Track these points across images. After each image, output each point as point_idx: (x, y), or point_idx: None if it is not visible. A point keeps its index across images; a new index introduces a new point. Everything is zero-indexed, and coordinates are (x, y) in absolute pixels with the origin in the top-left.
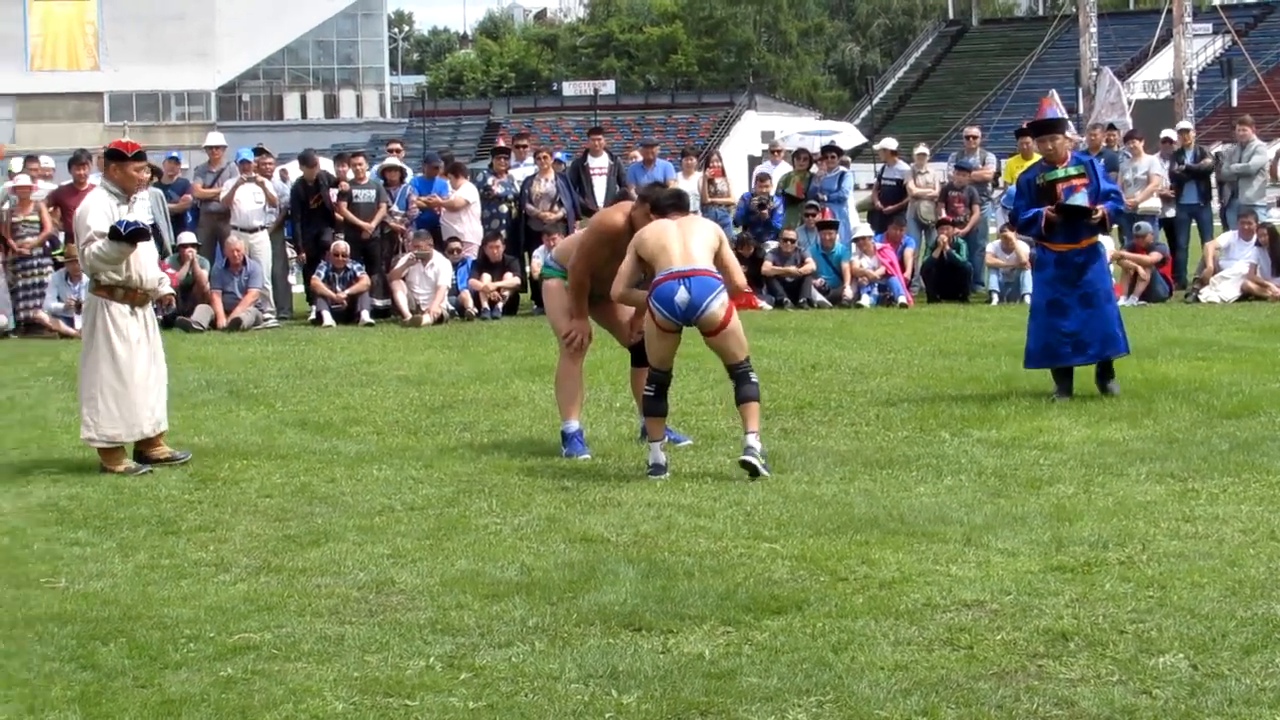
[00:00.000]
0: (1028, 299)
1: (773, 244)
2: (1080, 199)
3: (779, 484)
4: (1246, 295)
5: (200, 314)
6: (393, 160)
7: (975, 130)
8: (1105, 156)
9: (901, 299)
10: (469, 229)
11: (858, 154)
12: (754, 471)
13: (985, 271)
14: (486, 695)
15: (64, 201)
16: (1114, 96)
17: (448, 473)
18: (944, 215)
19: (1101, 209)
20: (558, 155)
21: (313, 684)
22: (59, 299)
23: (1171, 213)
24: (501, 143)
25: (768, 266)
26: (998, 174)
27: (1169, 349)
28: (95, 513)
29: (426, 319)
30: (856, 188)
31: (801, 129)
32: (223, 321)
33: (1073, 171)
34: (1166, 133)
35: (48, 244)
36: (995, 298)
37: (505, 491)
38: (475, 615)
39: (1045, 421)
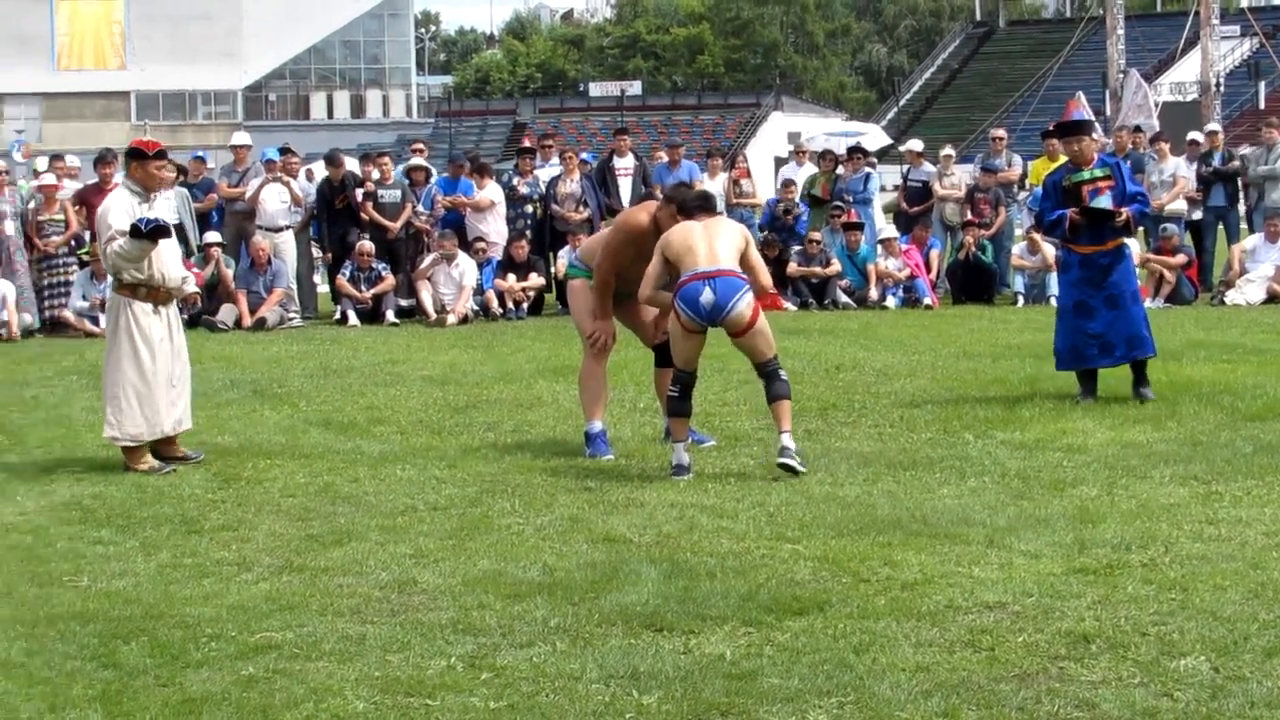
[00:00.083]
0: (1053, 301)
1: (797, 245)
2: (1104, 201)
3: (802, 485)
4: (1272, 298)
5: (225, 313)
6: (418, 160)
7: (1001, 132)
8: (1131, 158)
9: (926, 300)
10: (494, 229)
11: (884, 155)
12: (793, 472)
13: (1010, 273)
14: (507, 695)
15: (89, 200)
16: (1141, 98)
17: (471, 472)
18: (969, 217)
19: (1125, 212)
20: (583, 156)
21: (334, 683)
22: (84, 298)
23: (1198, 215)
24: (527, 143)
25: (793, 267)
26: (1024, 176)
27: (1194, 351)
28: (118, 511)
29: (451, 319)
30: (882, 189)
31: (827, 130)
32: (247, 321)
33: (1098, 173)
34: (1193, 135)
35: (73, 243)
36: (1020, 299)
37: (528, 491)
38: (497, 615)
39: (1069, 423)
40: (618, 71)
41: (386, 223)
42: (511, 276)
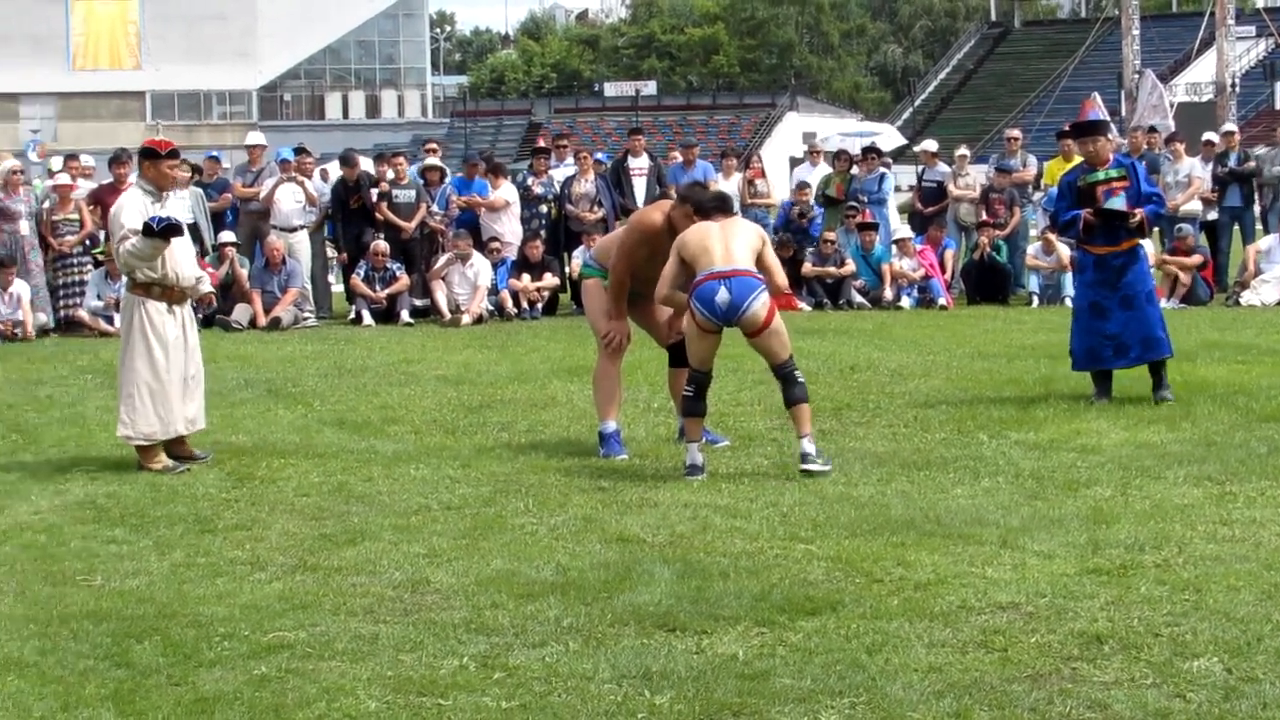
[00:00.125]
0: (1068, 301)
1: (812, 248)
2: (1118, 202)
3: (816, 485)
4: None
5: (239, 313)
6: (433, 160)
7: (1016, 132)
8: (1146, 159)
9: (941, 301)
10: (509, 229)
11: (899, 156)
12: (817, 474)
13: (1025, 273)
14: (519, 695)
15: (104, 200)
16: (1156, 99)
17: (485, 472)
18: (984, 217)
19: (1139, 213)
20: (598, 156)
21: (346, 683)
22: (99, 297)
23: (1213, 215)
24: (542, 143)
25: (807, 267)
26: (1039, 176)
27: (1209, 352)
28: (132, 511)
29: (466, 319)
30: (898, 189)
31: (842, 130)
32: (262, 320)
33: (1113, 174)
34: (1208, 135)
35: (88, 242)
36: (1035, 300)
37: (542, 491)
38: (510, 615)
39: (1084, 424)
40: (633, 71)
41: (401, 223)
42: (526, 276)
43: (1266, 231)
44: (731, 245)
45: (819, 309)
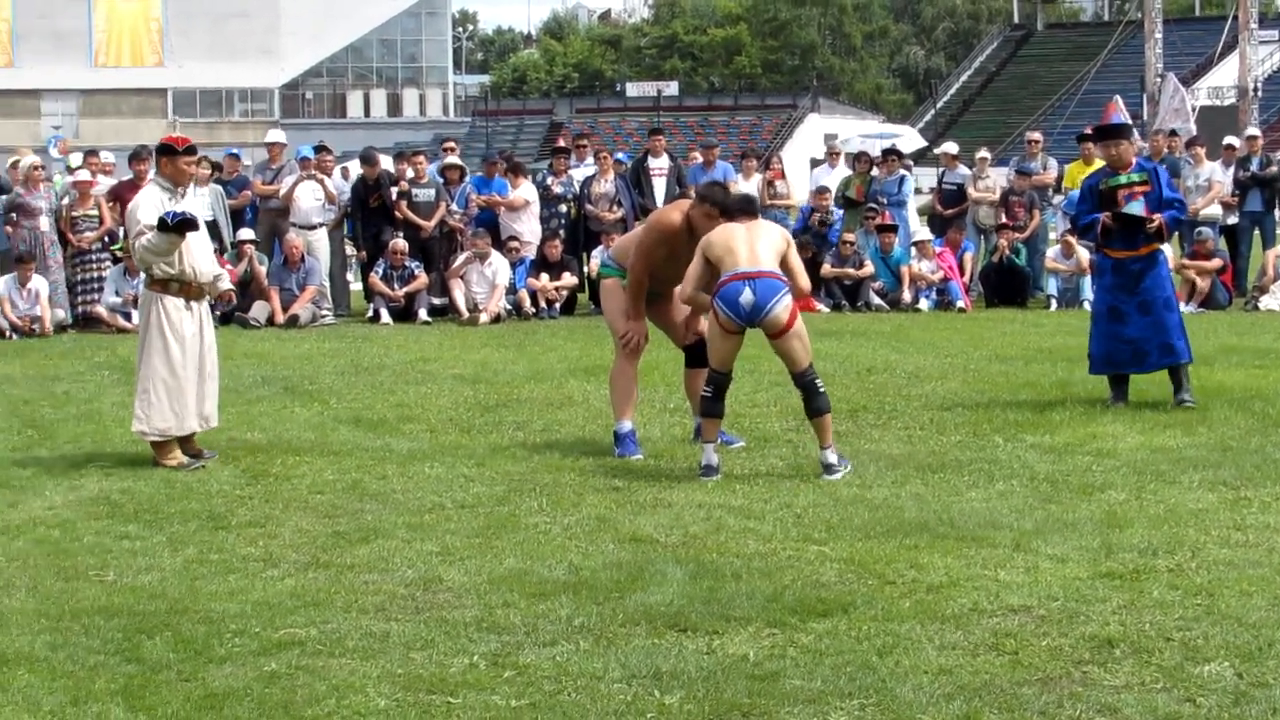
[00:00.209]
0: (1086, 305)
1: (831, 252)
2: (1137, 207)
3: (830, 487)
4: None
5: (258, 310)
6: (452, 159)
7: (1037, 135)
8: (1167, 162)
9: (960, 303)
10: (528, 228)
11: (920, 158)
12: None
13: (1044, 276)
14: (529, 694)
15: (124, 197)
16: (1178, 103)
17: (499, 471)
18: (1004, 220)
19: (1158, 218)
20: (618, 156)
21: (356, 680)
22: (117, 293)
23: (1233, 220)
24: (561, 143)
25: (826, 269)
26: (1059, 179)
27: (1226, 356)
28: (146, 507)
29: (484, 318)
30: (918, 191)
31: (863, 132)
32: (280, 318)
33: (1135, 178)
34: (1229, 139)
35: (107, 239)
36: (1054, 303)
37: (556, 491)
38: (521, 614)
39: (1099, 427)
40: (654, 72)
41: (420, 221)
42: (544, 276)
43: None
44: (757, 246)
45: (837, 310)
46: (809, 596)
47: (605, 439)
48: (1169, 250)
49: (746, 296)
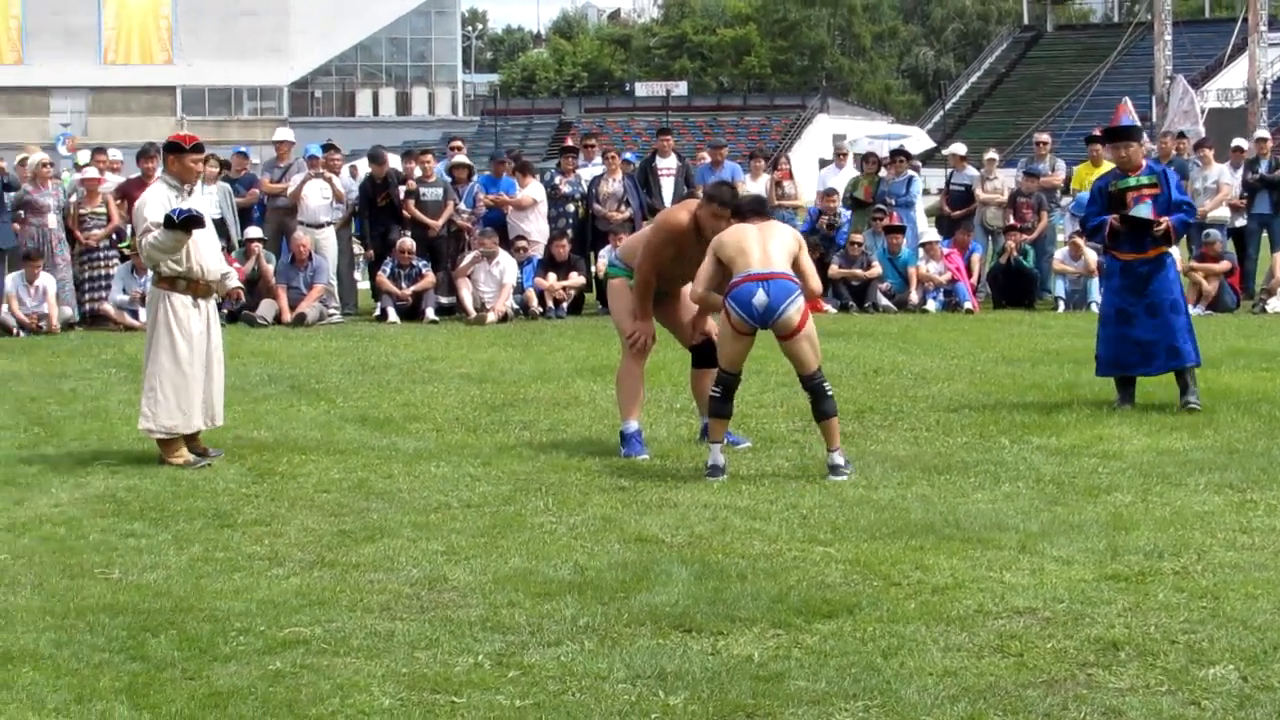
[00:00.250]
0: (1094, 307)
1: (838, 254)
2: (1144, 209)
3: (836, 488)
4: None
5: (265, 309)
6: (460, 158)
7: (1046, 136)
8: (1175, 164)
9: (967, 305)
10: (535, 228)
11: (929, 159)
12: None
13: (1052, 278)
14: (534, 694)
15: (131, 194)
16: (1187, 105)
17: (505, 470)
18: (1012, 221)
19: (1165, 221)
20: (626, 155)
21: (360, 679)
22: (124, 291)
23: (1241, 222)
24: (570, 142)
25: (834, 270)
26: (1067, 181)
27: (1233, 359)
28: (152, 505)
29: (491, 317)
30: (926, 192)
31: (871, 133)
32: (287, 316)
33: (1144, 181)
34: (1238, 141)
35: (114, 236)
36: (1061, 305)
37: (562, 490)
38: (526, 613)
39: (1106, 430)
40: (664, 72)
41: (428, 220)
42: (552, 275)
43: None
44: (769, 248)
45: (844, 311)
46: (814, 597)
47: (611, 439)
48: (1177, 253)
49: (760, 298)
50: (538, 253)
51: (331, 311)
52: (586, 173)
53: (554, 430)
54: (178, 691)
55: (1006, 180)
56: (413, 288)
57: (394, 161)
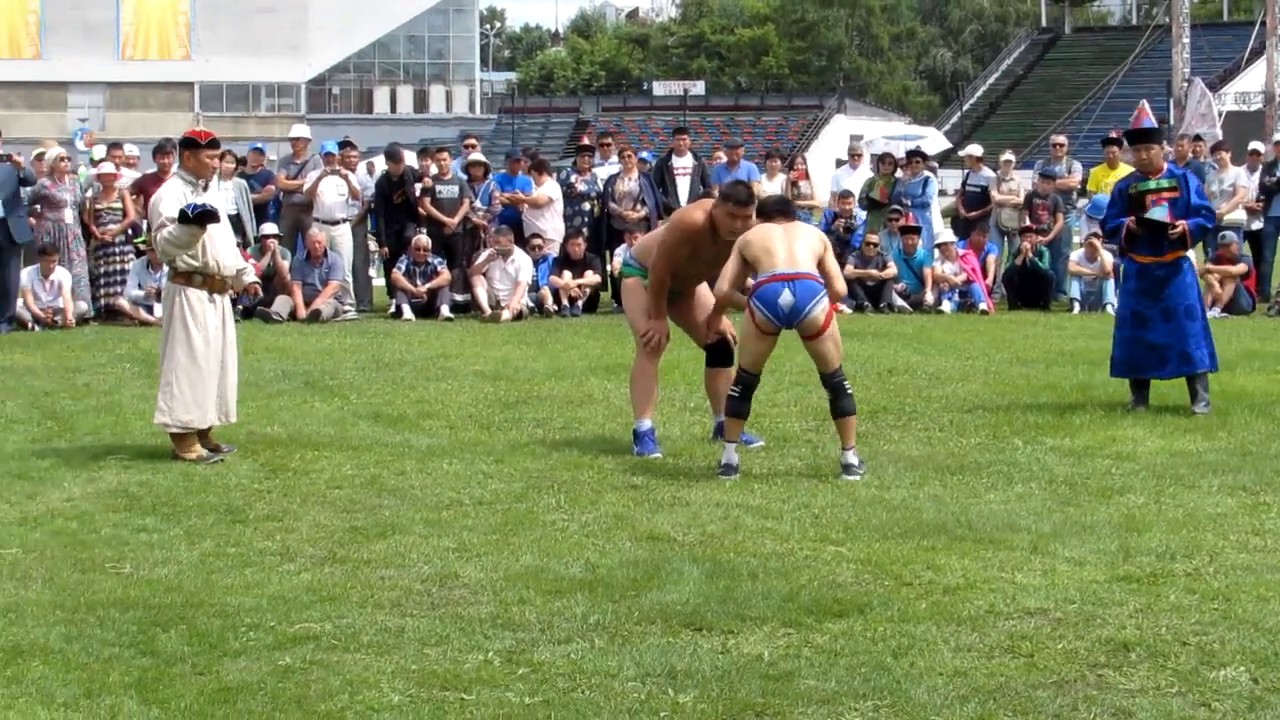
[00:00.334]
0: (1109, 308)
1: (853, 256)
2: (1159, 212)
3: (848, 488)
4: None
5: (280, 305)
6: (476, 156)
7: (1062, 138)
8: (1191, 167)
9: (982, 305)
10: (551, 226)
11: (945, 160)
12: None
13: (1067, 280)
14: (543, 691)
15: (147, 190)
16: (1205, 108)
17: (518, 468)
18: (1027, 223)
19: (1181, 224)
20: (642, 154)
21: (370, 675)
22: (140, 286)
23: (1257, 225)
24: (586, 141)
25: (849, 270)
26: (1083, 182)
27: (1248, 361)
28: (164, 500)
29: (506, 315)
30: (942, 193)
31: (887, 134)
32: (302, 313)
33: (1164, 184)
34: (1254, 145)
35: (130, 231)
36: (1077, 306)
37: (574, 488)
38: (537, 611)
39: (1120, 431)
40: (681, 71)
41: (444, 218)
42: (567, 274)
43: None
44: (795, 248)
45: (859, 311)
46: (825, 597)
47: (625, 437)
48: (1193, 255)
49: (786, 298)
50: (553, 251)
51: (346, 308)
52: (602, 171)
53: (567, 428)
54: (187, 686)
55: (1023, 182)
56: (428, 285)
57: (410, 159)
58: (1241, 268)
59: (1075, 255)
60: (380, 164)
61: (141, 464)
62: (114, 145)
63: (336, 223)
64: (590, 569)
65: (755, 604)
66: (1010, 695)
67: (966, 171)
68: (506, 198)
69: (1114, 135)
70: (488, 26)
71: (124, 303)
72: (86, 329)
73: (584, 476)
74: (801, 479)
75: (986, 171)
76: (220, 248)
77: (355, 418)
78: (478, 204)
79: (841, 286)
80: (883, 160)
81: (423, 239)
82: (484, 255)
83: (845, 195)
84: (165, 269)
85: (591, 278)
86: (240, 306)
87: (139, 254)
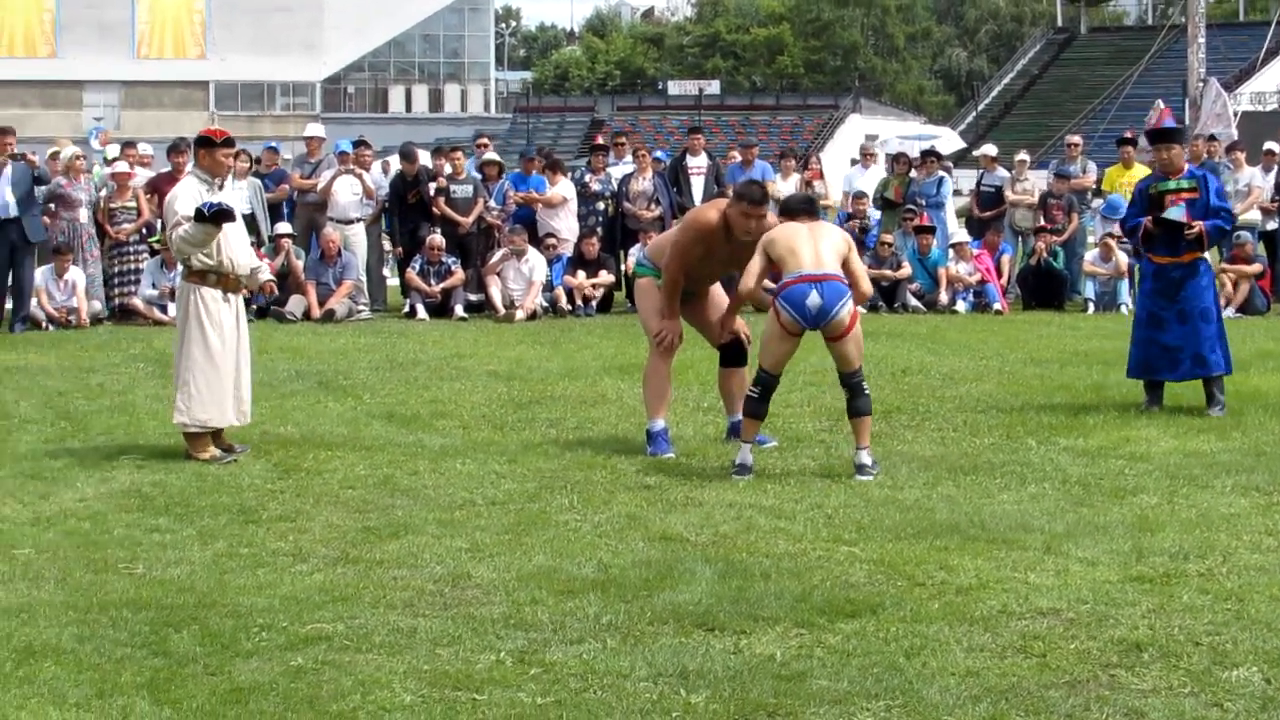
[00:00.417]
0: (1123, 308)
1: (867, 256)
2: (1176, 212)
3: (861, 488)
4: None
5: (294, 304)
6: (490, 155)
7: (1077, 138)
8: (1206, 166)
9: (997, 305)
10: (565, 225)
11: (960, 160)
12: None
13: (1082, 280)
14: (555, 691)
15: (162, 189)
16: (1220, 107)
17: (531, 468)
18: (1042, 223)
19: (1198, 225)
20: (657, 154)
21: (382, 675)
22: (154, 286)
23: (1272, 225)
24: (600, 140)
25: None
26: (1098, 182)
27: (1262, 362)
28: (177, 500)
29: (520, 314)
30: (957, 193)
31: (901, 133)
32: (316, 312)
33: (1184, 184)
34: (1269, 145)
35: (144, 231)
36: (1091, 306)
37: (587, 488)
38: (549, 611)
39: (1133, 431)
40: (697, 70)
41: (458, 218)
42: (581, 273)
43: None
44: (820, 248)
45: (874, 311)
46: (838, 597)
47: (638, 437)
48: (1209, 256)
49: (813, 299)
50: (567, 250)
51: (360, 308)
52: (617, 171)
53: (580, 428)
54: (199, 687)
55: (1037, 182)
56: (442, 285)
57: (424, 158)
58: (1256, 267)
59: (1090, 255)
60: (395, 163)
61: (155, 464)
62: (129, 144)
63: (351, 222)
64: (603, 569)
65: (768, 604)
66: (1023, 695)
67: (981, 171)
68: (521, 197)
69: (1129, 135)
70: (503, 26)
71: (138, 302)
72: (100, 329)
73: (597, 476)
74: (815, 479)
75: (1001, 171)
76: (235, 246)
77: (369, 418)
78: (492, 203)
79: (867, 287)
80: (898, 160)
81: (437, 238)
82: (498, 255)
83: (859, 196)
84: (180, 268)
85: (605, 277)
86: (254, 306)
87: (153, 253)
